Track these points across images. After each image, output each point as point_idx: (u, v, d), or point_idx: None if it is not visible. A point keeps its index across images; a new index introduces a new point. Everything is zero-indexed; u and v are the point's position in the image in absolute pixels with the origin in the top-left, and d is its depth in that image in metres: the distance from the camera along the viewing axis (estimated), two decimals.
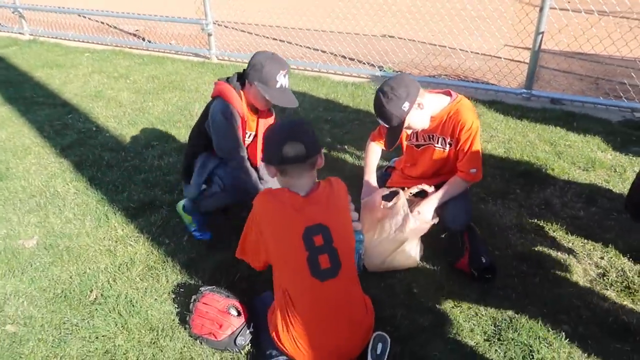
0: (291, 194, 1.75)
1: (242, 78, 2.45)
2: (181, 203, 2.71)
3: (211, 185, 2.55)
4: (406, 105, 2.19)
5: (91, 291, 2.30)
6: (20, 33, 7.01)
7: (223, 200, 2.58)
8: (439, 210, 2.38)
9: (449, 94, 2.39)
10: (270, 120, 2.61)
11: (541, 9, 4.03)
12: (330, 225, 1.72)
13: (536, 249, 2.49)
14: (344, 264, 1.73)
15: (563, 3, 4.40)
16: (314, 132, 1.83)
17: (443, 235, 2.55)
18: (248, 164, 2.48)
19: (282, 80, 2.33)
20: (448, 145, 2.39)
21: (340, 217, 1.79)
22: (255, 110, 2.53)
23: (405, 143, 2.64)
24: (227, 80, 2.47)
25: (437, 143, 2.42)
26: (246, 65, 2.42)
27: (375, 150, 2.65)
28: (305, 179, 1.76)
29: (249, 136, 2.60)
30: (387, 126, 2.30)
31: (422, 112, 2.27)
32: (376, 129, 2.65)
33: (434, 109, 2.33)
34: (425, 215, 2.32)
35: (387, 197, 2.34)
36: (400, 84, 2.21)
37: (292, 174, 1.75)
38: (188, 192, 2.64)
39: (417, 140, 2.51)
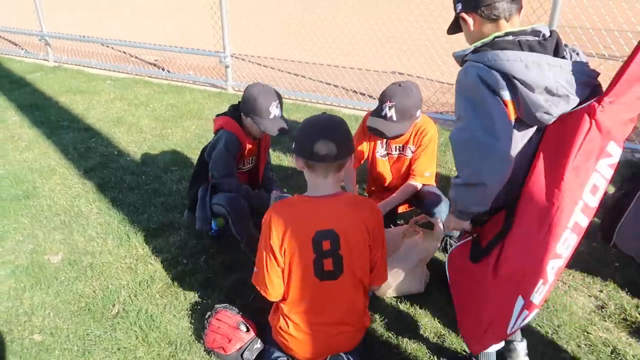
0: (302, 198, 1.84)
1: (237, 111, 2.67)
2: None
3: (217, 215, 2.70)
4: (409, 124, 2.51)
5: (113, 305, 2.43)
6: (45, 60, 7.33)
7: (239, 220, 2.66)
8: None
9: None
10: (266, 142, 2.89)
11: None
12: (341, 233, 1.76)
13: None
14: (347, 271, 1.81)
15: None
16: (349, 132, 1.83)
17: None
18: (237, 183, 2.64)
19: (275, 111, 2.53)
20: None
21: (353, 229, 1.79)
22: (254, 137, 2.73)
23: (377, 157, 2.81)
24: (225, 114, 2.68)
25: (407, 153, 2.69)
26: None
27: (352, 174, 2.81)
28: (330, 179, 1.78)
29: (251, 161, 2.81)
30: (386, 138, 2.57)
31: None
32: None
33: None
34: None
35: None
36: (417, 106, 2.50)
37: (319, 172, 1.77)
38: (198, 225, 2.77)
39: (389, 151, 2.75)
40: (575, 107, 1.50)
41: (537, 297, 1.55)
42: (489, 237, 1.69)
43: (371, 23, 6.80)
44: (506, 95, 1.49)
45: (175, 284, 2.57)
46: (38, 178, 3.71)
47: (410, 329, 2.28)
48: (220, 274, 2.64)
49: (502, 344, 1.94)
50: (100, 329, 2.28)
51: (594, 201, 1.50)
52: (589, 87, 1.53)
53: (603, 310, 2.40)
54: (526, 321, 1.62)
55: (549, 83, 1.46)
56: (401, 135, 2.56)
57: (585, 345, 2.19)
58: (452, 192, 1.67)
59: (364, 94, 5.60)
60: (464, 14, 1.63)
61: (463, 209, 1.66)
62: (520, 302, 1.57)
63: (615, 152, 1.48)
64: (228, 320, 2.14)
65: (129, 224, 3.10)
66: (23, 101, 5.44)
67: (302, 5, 7.04)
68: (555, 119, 1.51)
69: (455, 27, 1.73)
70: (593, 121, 1.44)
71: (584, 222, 1.51)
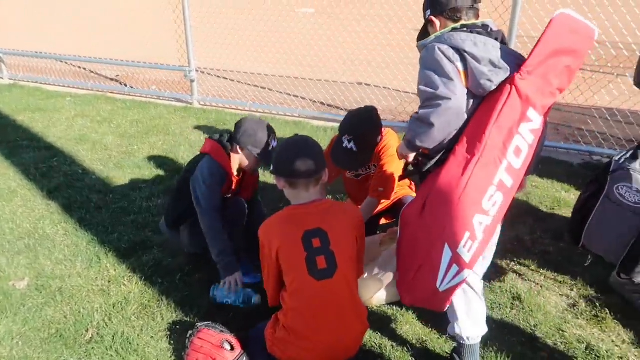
0: (290, 207, 1.95)
1: (227, 141, 2.63)
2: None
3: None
4: (371, 152, 2.64)
5: (87, 330, 2.34)
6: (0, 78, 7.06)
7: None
8: None
9: None
10: (252, 179, 2.84)
11: None
12: (328, 230, 1.88)
13: (511, 282, 2.67)
14: (341, 266, 1.87)
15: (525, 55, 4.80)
16: (322, 148, 2.03)
17: None
18: (215, 217, 2.55)
19: (273, 142, 2.58)
20: None
21: (339, 226, 1.91)
22: (239, 172, 2.70)
23: (347, 176, 2.93)
24: (218, 139, 2.65)
25: (373, 170, 2.76)
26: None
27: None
28: (312, 191, 1.93)
29: (230, 194, 2.75)
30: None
31: None
32: None
33: None
34: None
35: None
36: (376, 132, 2.64)
37: (300, 187, 1.92)
38: (188, 248, 2.77)
39: (356, 172, 2.84)
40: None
41: (466, 254, 1.71)
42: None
43: (336, 35, 6.88)
44: (460, 65, 1.74)
45: (152, 304, 2.50)
46: None
47: (392, 335, 2.29)
48: (199, 291, 2.58)
49: (485, 329, 2.04)
50: (74, 356, 2.19)
51: (517, 163, 1.71)
52: (519, 67, 1.78)
53: (575, 308, 2.48)
54: (457, 281, 1.74)
55: (492, 57, 1.74)
56: (366, 163, 2.70)
57: (561, 343, 2.26)
58: (409, 122, 1.88)
59: (331, 105, 5.64)
60: (432, 17, 1.93)
61: (411, 139, 1.87)
62: (448, 252, 1.72)
63: (535, 118, 1.72)
64: (211, 339, 2.09)
65: (99, 245, 3.00)
66: None
67: (265, 17, 7.06)
68: (494, 86, 1.74)
69: (424, 34, 2.00)
70: (513, 87, 1.69)
71: (509, 182, 1.71)
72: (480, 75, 1.72)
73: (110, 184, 3.82)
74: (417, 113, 1.82)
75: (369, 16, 7.12)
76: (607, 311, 2.43)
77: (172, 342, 2.26)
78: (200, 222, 2.53)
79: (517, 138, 1.71)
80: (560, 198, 3.56)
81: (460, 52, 1.73)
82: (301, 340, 1.87)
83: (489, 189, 1.69)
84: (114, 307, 2.47)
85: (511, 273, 2.76)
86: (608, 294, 2.54)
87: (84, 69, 7.54)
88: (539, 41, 1.70)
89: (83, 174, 3.97)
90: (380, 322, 2.38)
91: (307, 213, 1.91)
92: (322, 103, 5.76)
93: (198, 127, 5.08)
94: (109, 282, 2.67)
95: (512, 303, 2.52)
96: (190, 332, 2.16)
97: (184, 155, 4.34)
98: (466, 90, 1.75)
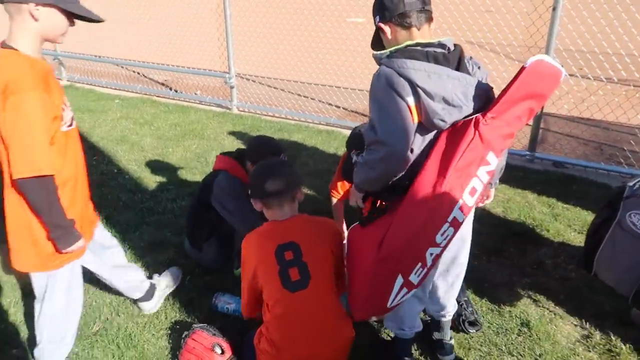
0: (269, 223, 1.99)
1: (242, 157, 2.71)
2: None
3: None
4: None
5: (94, 323, 2.45)
6: (58, 79, 7.54)
7: None
8: None
9: None
10: None
11: None
12: (301, 243, 1.91)
13: (523, 307, 2.56)
14: (315, 276, 1.89)
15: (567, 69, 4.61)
16: (294, 168, 2.09)
17: None
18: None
19: (283, 158, 2.62)
20: None
21: (312, 238, 1.96)
22: None
23: None
24: (233, 156, 2.73)
25: None
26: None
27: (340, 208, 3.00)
28: (286, 209, 1.99)
29: None
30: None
31: None
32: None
33: None
34: None
35: None
36: None
37: (274, 207, 1.98)
38: (214, 264, 2.84)
39: None
40: (466, 116, 1.70)
41: (415, 278, 1.79)
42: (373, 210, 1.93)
43: None
44: (411, 101, 1.66)
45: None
46: None
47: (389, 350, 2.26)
48: (204, 294, 2.65)
49: (419, 327, 2.19)
50: (79, 346, 2.30)
51: (471, 201, 1.73)
52: (482, 99, 1.72)
53: (588, 340, 2.34)
54: (405, 298, 1.84)
55: (447, 94, 1.65)
56: None
57: None
58: (355, 167, 1.88)
59: (365, 115, 5.63)
60: (381, 24, 1.81)
61: (357, 182, 1.89)
62: (399, 280, 1.78)
63: (493, 161, 1.71)
64: (203, 342, 2.14)
65: (120, 242, 3.08)
66: None
67: (306, 26, 7.15)
68: (448, 125, 1.70)
69: (377, 42, 1.92)
70: (477, 132, 1.65)
71: (461, 217, 1.74)
72: (433, 114, 1.66)
73: (141, 184, 3.99)
74: (361, 156, 1.82)
75: None
76: (623, 346, 2.28)
77: (171, 340, 2.33)
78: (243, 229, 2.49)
79: (474, 180, 1.71)
80: (590, 222, 3.37)
81: (412, 84, 1.64)
82: (281, 352, 1.87)
83: (444, 226, 1.72)
84: (122, 303, 2.58)
85: (525, 298, 2.64)
86: (627, 327, 2.39)
87: (135, 72, 7.93)
88: (508, 88, 1.65)
89: (117, 173, 4.17)
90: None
91: (281, 228, 1.96)
92: (356, 112, 5.75)
93: (232, 133, 5.21)
94: None
95: (519, 329, 2.41)
96: (186, 332, 2.22)
97: (214, 160, 4.44)
98: (414, 129, 1.69)
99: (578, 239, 3.19)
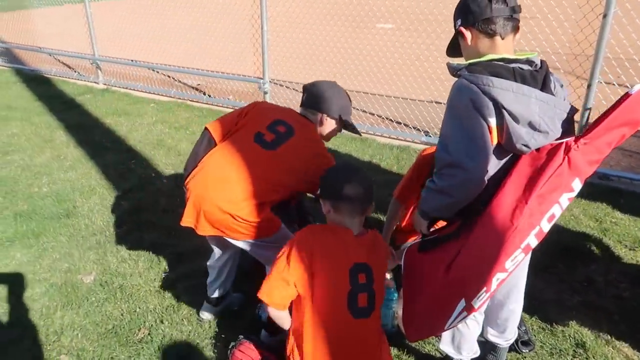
0: (343, 229, 1.84)
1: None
2: None
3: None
4: None
5: (139, 329, 2.45)
6: (95, 82, 7.69)
7: None
8: None
9: None
10: None
11: (589, 86, 4.10)
12: (374, 268, 1.79)
13: (576, 327, 2.46)
14: (377, 307, 1.80)
15: (610, 78, 4.45)
16: (372, 182, 1.93)
17: None
18: None
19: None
20: None
21: (380, 264, 1.85)
22: None
23: None
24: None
25: None
26: None
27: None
28: (356, 221, 1.85)
29: None
30: None
31: None
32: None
33: None
34: None
35: None
36: None
37: (345, 213, 1.83)
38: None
39: None
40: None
41: (477, 302, 1.71)
42: (437, 234, 1.84)
43: (416, 52, 6.80)
44: (493, 122, 1.56)
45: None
46: (79, 197, 3.85)
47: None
48: (247, 303, 2.63)
49: (476, 353, 2.12)
50: (125, 353, 2.30)
51: (547, 227, 1.64)
52: (567, 122, 1.63)
53: None
54: (461, 321, 1.78)
55: (534, 118, 1.54)
56: None
57: None
58: (424, 192, 1.75)
59: (400, 123, 5.56)
60: (462, 28, 1.70)
61: (427, 210, 1.77)
62: (462, 304, 1.72)
63: (577, 188, 1.62)
64: (251, 354, 2.11)
65: (160, 247, 3.15)
66: (71, 121, 5.70)
67: (346, 32, 7.13)
68: (530, 150, 1.60)
69: (454, 48, 1.81)
70: (566, 158, 1.56)
71: (534, 243, 1.65)
72: (518, 139, 1.55)
73: (178, 188, 4.00)
74: (432, 181, 1.69)
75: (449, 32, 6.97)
76: None
77: (215, 350, 2.31)
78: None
79: (555, 206, 1.60)
80: None
81: (497, 105, 1.52)
82: None
83: (516, 252, 1.62)
84: (166, 310, 2.58)
85: (577, 317, 2.54)
86: None
87: (169, 77, 8.02)
88: (608, 114, 1.54)
89: (155, 177, 4.21)
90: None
91: (357, 243, 1.81)
92: (390, 120, 5.68)
93: None
94: (165, 284, 2.80)
95: (574, 350, 2.31)
96: (232, 343, 2.20)
97: None
98: (492, 151, 1.59)
99: (629, 256, 3.06)
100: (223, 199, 2.08)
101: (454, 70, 1.69)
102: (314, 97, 2.42)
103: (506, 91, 1.51)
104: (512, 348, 2.28)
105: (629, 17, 4.06)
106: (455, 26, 1.74)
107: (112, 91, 7.25)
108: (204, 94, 6.96)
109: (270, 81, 6.04)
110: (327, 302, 1.76)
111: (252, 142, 2.20)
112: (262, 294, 1.80)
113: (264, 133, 2.22)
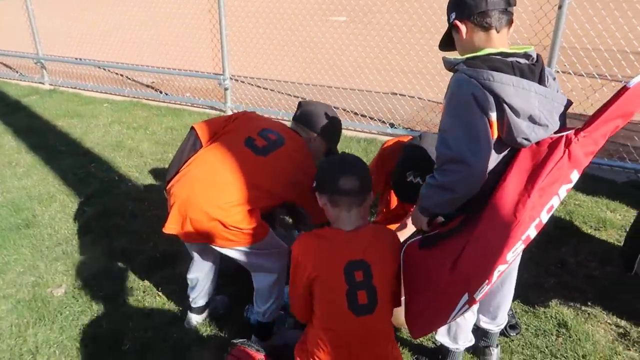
0: (333, 230, 1.82)
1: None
2: None
3: None
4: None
5: (121, 340, 2.33)
6: (40, 83, 7.26)
7: None
8: None
9: None
10: None
11: None
12: (372, 263, 1.75)
13: (556, 307, 2.55)
14: (381, 302, 1.75)
15: (566, 67, 4.65)
16: (369, 171, 1.89)
17: None
18: None
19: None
20: None
21: (382, 258, 1.79)
22: None
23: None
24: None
25: None
26: None
27: None
28: (354, 213, 1.80)
29: None
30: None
31: None
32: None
33: None
34: None
35: None
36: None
37: (343, 206, 1.78)
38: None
39: None
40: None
41: (479, 295, 1.72)
42: (438, 230, 1.81)
43: (370, 43, 6.84)
44: (493, 116, 1.56)
45: (184, 317, 2.48)
46: (37, 205, 3.62)
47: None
48: (232, 307, 2.56)
49: (471, 341, 2.16)
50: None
51: (546, 218, 1.67)
52: (563, 115, 1.66)
53: (626, 338, 2.35)
54: (464, 313, 1.80)
55: (534, 112, 1.55)
56: None
57: None
58: (423, 188, 1.74)
59: (364, 115, 5.59)
60: (457, 22, 1.68)
61: (427, 206, 1.75)
62: (465, 298, 1.73)
63: (575, 179, 1.65)
64: (246, 358, 2.05)
65: (133, 253, 3.02)
66: (20, 125, 5.35)
67: (301, 26, 7.08)
68: (531, 144, 1.62)
69: (447, 42, 1.80)
70: (567, 151, 1.58)
71: (533, 234, 1.68)
72: (518, 132, 1.56)
73: (146, 191, 3.85)
74: (433, 177, 1.67)
75: (403, 25, 7.04)
76: None
77: (207, 355, 2.24)
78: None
79: (554, 198, 1.62)
80: (605, 218, 3.41)
81: (498, 99, 1.52)
82: None
83: (517, 244, 1.63)
84: (149, 317, 2.47)
85: (555, 298, 2.64)
86: None
87: (121, 75, 7.69)
88: (607, 107, 1.55)
89: (119, 181, 4.02)
90: None
91: (351, 241, 1.77)
92: (355, 113, 5.70)
93: None
94: (144, 291, 2.68)
95: (557, 330, 2.40)
96: (234, 342, 2.12)
97: None
98: (492, 145, 1.59)
99: (596, 236, 3.22)
100: (211, 205, 1.99)
101: (451, 65, 1.67)
102: (310, 115, 2.38)
103: (506, 85, 1.52)
104: (500, 332, 2.33)
105: (582, 8, 4.25)
106: (449, 20, 1.73)
107: (60, 92, 6.87)
108: (160, 92, 6.72)
109: (230, 77, 5.91)
110: (328, 305, 1.75)
111: (243, 146, 2.12)
112: (294, 314, 1.93)
113: (254, 138, 2.15)
